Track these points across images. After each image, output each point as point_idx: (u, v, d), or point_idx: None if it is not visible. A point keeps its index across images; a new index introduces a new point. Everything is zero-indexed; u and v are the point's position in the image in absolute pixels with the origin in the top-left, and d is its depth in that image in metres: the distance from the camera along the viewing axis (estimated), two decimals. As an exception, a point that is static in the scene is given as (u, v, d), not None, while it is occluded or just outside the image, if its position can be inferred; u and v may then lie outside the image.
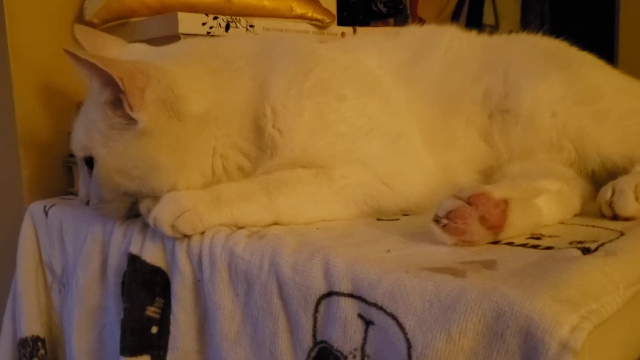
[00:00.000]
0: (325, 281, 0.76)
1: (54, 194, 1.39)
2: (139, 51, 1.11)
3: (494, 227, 0.80)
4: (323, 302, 0.76)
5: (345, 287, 0.73)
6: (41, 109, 1.41)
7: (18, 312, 1.27)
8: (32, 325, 1.26)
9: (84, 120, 1.01)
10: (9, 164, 1.40)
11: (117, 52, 1.10)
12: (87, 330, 1.11)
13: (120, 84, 0.91)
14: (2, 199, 1.47)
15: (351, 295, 0.73)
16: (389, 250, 0.79)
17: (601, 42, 2.62)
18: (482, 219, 0.79)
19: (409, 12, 2.91)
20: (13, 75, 1.36)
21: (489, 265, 0.71)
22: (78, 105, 1.21)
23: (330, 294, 0.75)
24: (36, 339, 1.26)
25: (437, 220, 0.80)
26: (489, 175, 1.08)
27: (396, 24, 2.81)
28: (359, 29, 1.55)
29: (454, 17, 3.30)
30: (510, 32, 1.14)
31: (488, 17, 3.36)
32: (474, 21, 3.29)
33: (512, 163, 1.06)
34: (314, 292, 0.76)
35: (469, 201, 0.79)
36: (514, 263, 0.71)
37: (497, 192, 0.81)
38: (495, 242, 0.81)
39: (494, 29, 3.32)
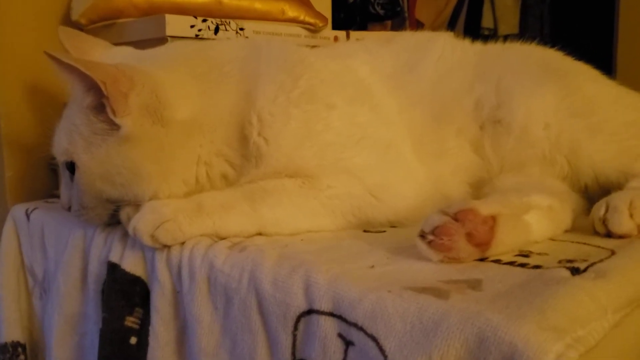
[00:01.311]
0: (305, 298, 0.73)
1: (39, 196, 1.37)
2: (124, 54, 1.09)
3: (481, 244, 0.77)
4: (303, 320, 0.73)
5: (325, 306, 0.71)
6: (26, 109, 1.38)
7: (-2, 317, 1.25)
8: (12, 330, 1.24)
9: (66, 124, 0.98)
10: (-8, 165, 1.38)
11: (101, 54, 1.08)
12: (67, 337, 1.09)
13: (102, 88, 0.89)
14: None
15: (331, 314, 0.70)
16: (373, 266, 0.77)
17: (600, 46, 2.61)
18: (469, 236, 0.76)
19: (406, 14, 2.88)
20: (-2, 77, 1.33)
21: (474, 285, 0.69)
22: (64, 106, 1.19)
23: (310, 311, 0.72)
24: (16, 345, 1.24)
25: (422, 235, 0.77)
26: (479, 187, 1.06)
27: (394, 27, 2.79)
28: (353, 33, 1.53)
29: (452, 20, 3.28)
30: (505, 37, 1.12)
31: (487, 20, 3.35)
32: (472, 24, 3.28)
33: (503, 176, 1.04)
34: (293, 309, 0.74)
35: (456, 217, 0.77)
36: (500, 284, 0.69)
37: (485, 208, 0.78)
38: (482, 259, 0.78)
39: (493, 32, 3.31)
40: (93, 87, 0.90)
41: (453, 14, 3.27)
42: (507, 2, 3.36)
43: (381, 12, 2.69)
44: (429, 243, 0.76)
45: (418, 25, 2.98)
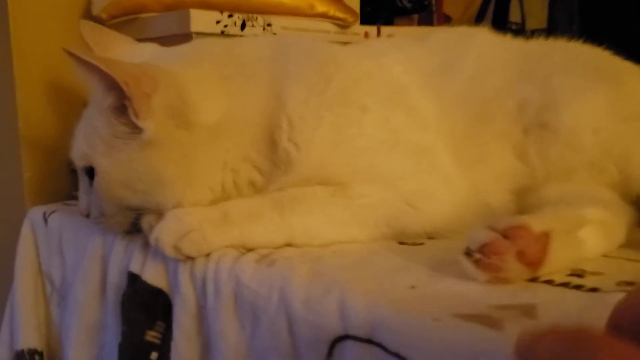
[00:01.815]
0: (340, 322, 0.67)
1: (58, 197, 1.32)
2: (148, 51, 1.03)
3: (533, 264, 0.71)
4: (338, 346, 0.67)
5: (363, 331, 0.65)
6: (45, 107, 1.33)
7: (15, 323, 1.21)
8: (29, 337, 1.19)
9: (85, 127, 0.93)
10: (10, 165, 1.33)
11: (124, 51, 1.03)
12: (86, 348, 1.04)
13: (124, 88, 0.83)
14: (2, 202, 1.40)
15: (370, 341, 0.64)
16: (413, 287, 0.70)
17: (631, 43, 2.51)
18: (520, 255, 0.70)
19: (434, 8, 2.81)
20: (16, 72, 1.28)
21: (529, 312, 0.63)
22: (84, 105, 1.14)
23: (346, 337, 0.66)
24: (33, 352, 1.19)
25: (468, 253, 0.71)
26: (522, 195, 0.99)
27: (421, 21, 2.71)
28: (383, 29, 1.47)
29: (480, 15, 3.21)
30: (533, 31, 1.06)
31: (514, 15, 3.27)
32: (500, 19, 3.20)
33: (548, 183, 0.97)
34: (327, 333, 0.68)
35: (506, 234, 0.70)
36: (556, 310, 0.63)
37: (538, 224, 0.72)
38: (532, 279, 0.72)
39: (520, 26, 3.23)
40: (114, 87, 0.85)
41: (481, 8, 3.19)
42: (536, -4, 3.28)
43: (408, 5, 2.60)
44: (476, 262, 0.70)
45: (446, 20, 2.91)
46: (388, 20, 2.50)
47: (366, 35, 1.41)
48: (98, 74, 0.85)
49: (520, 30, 3.14)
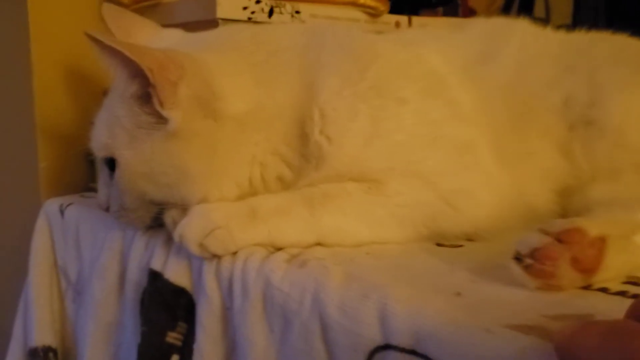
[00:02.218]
0: (381, 330, 0.62)
1: (74, 189, 1.28)
2: (173, 37, 0.98)
3: (587, 270, 0.66)
4: (377, 356, 0.62)
5: (406, 341, 0.60)
6: (63, 95, 1.29)
7: (29, 319, 1.17)
8: (43, 334, 1.15)
9: (106, 116, 0.88)
10: (25, 155, 1.29)
11: (148, 37, 0.98)
12: (102, 347, 1.00)
13: (149, 75, 0.78)
14: (16, 193, 1.36)
15: (413, 352, 0.59)
16: (459, 294, 0.65)
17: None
18: (574, 261, 0.65)
19: (459, 1, 2.75)
20: (33, 58, 1.24)
21: (587, 323, 0.57)
22: (104, 93, 1.09)
23: (386, 347, 0.61)
24: (47, 349, 1.15)
25: (518, 258, 0.66)
26: (567, 195, 0.94)
27: (445, 14, 2.66)
28: (415, 19, 1.41)
29: (505, 9, 3.15)
30: (557, 27, 1.01)
31: (539, 10, 3.21)
32: (524, 13, 3.15)
33: (595, 184, 0.91)
34: (366, 341, 0.63)
35: (560, 238, 0.65)
36: (616, 321, 0.57)
37: (593, 227, 0.66)
38: (585, 287, 0.66)
39: (545, 22, 3.18)
40: (139, 75, 0.80)
41: (506, 2, 3.13)
42: (561, -9, 3.22)
43: (433, -3, 2.55)
44: (526, 267, 0.65)
45: (470, 13, 2.85)
46: (412, 12, 2.44)
47: (397, 24, 1.36)
48: (121, 60, 0.80)
49: (545, 26, 3.09)
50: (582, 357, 0.44)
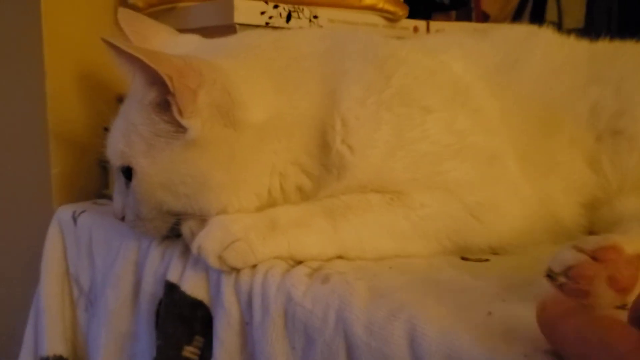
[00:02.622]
0: (410, 351, 0.60)
1: (87, 195, 1.26)
2: (191, 43, 0.96)
3: (624, 290, 0.63)
4: (407, 378, 0.60)
5: (438, 364, 0.57)
6: (76, 100, 1.27)
7: (40, 328, 1.15)
8: (55, 343, 1.13)
9: (123, 124, 0.86)
10: (37, 160, 1.27)
11: (165, 42, 0.96)
12: (115, 358, 0.98)
13: (169, 83, 0.76)
14: (28, 199, 1.34)
15: (447, 376, 0.57)
16: (490, 313, 0.62)
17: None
18: (610, 279, 0.62)
19: (472, 5, 2.73)
20: (46, 62, 1.22)
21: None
22: (118, 99, 1.07)
23: (417, 369, 0.59)
24: (58, 359, 1.13)
25: (550, 276, 0.63)
26: (594, 208, 0.91)
27: (458, 18, 2.64)
28: (432, 24, 1.39)
29: (518, 13, 3.13)
30: (570, 31, 1.00)
31: (551, 13, 3.19)
32: (537, 17, 3.12)
33: (624, 197, 0.89)
34: (395, 363, 0.61)
35: (595, 256, 0.62)
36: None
37: (630, 245, 0.64)
38: (621, 306, 0.64)
39: (557, 26, 3.15)
40: (157, 82, 0.78)
41: (519, 6, 3.11)
42: (573, -5, 3.20)
43: (446, 1, 2.53)
44: (560, 286, 0.62)
45: (484, 17, 2.83)
46: (426, 16, 2.42)
47: (416, 29, 1.34)
48: (139, 67, 0.78)
49: (556, 30, 3.06)
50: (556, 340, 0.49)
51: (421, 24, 1.36)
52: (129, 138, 0.84)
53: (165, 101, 0.79)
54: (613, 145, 0.91)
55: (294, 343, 0.71)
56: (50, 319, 1.13)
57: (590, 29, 3.01)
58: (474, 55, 0.98)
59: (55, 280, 1.14)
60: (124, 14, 0.97)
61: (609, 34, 1.06)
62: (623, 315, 0.59)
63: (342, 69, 0.87)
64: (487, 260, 0.83)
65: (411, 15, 1.39)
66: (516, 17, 3.10)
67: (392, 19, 1.30)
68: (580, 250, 0.63)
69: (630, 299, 0.63)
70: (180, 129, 0.80)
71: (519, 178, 0.87)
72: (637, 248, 0.64)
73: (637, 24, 2.93)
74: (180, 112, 0.78)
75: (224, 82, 0.80)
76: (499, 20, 2.92)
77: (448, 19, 2.60)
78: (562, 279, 0.62)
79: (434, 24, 1.39)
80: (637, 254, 0.63)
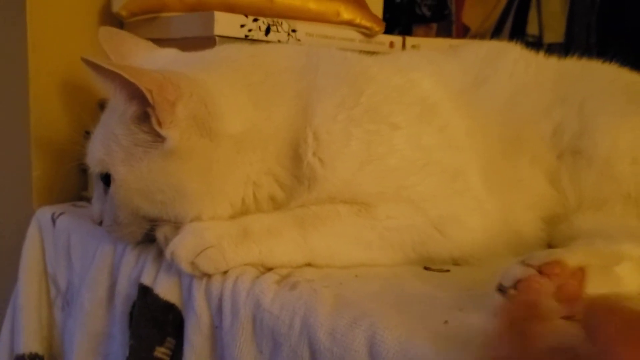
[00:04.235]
0: (369, 358, 0.63)
1: (66, 198, 1.28)
2: (169, 57, 0.98)
3: (569, 301, 0.67)
4: (364, 383, 0.63)
5: (394, 370, 0.61)
6: (58, 104, 1.29)
7: (17, 326, 1.17)
8: (31, 341, 1.15)
9: (103, 132, 0.89)
10: (18, 163, 1.29)
11: (143, 57, 0.98)
12: (89, 357, 1.01)
13: (148, 96, 0.79)
14: (9, 200, 1.36)
15: (401, 381, 0.60)
16: (446, 322, 0.66)
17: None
18: (557, 291, 0.66)
19: (453, 18, 2.77)
20: (30, 67, 1.24)
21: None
22: (100, 104, 1.10)
23: (374, 374, 0.63)
24: (34, 357, 1.15)
25: (501, 290, 0.67)
26: (554, 223, 0.95)
27: (439, 30, 2.68)
28: (409, 39, 1.42)
29: (499, 26, 3.16)
30: (550, 45, 1.02)
31: (532, 27, 3.23)
32: (518, 30, 3.16)
33: (582, 213, 0.93)
34: (355, 368, 0.64)
35: (541, 270, 0.66)
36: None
37: (573, 259, 0.68)
38: (567, 317, 0.68)
39: (538, 39, 3.19)
40: (137, 96, 0.81)
41: (500, 19, 3.15)
42: (554, 9, 3.23)
43: (427, 13, 2.57)
44: (511, 298, 0.66)
45: (464, 30, 2.87)
46: (406, 27, 2.47)
47: (391, 45, 1.37)
48: (120, 82, 0.81)
49: (537, 43, 3.10)
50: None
51: (397, 39, 1.39)
52: (108, 146, 0.86)
53: (144, 113, 0.82)
54: (573, 164, 0.95)
55: (261, 347, 0.74)
56: (27, 317, 1.15)
57: (571, 43, 3.07)
58: (443, 73, 1.01)
59: (33, 280, 1.16)
60: (104, 33, 0.99)
61: (587, 48, 1.09)
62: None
63: (316, 85, 0.90)
64: (448, 270, 0.86)
65: (392, 27, 1.43)
66: (497, 30, 3.13)
67: (368, 34, 1.33)
68: (527, 265, 0.67)
69: (577, 310, 0.68)
70: (159, 138, 0.82)
71: (482, 193, 0.91)
72: (580, 261, 0.68)
73: (615, 39, 2.98)
74: (160, 123, 0.81)
75: (200, 95, 0.83)
76: (479, 33, 2.96)
77: (429, 30, 2.64)
78: (512, 292, 0.66)
79: (410, 40, 1.42)
80: (579, 266, 0.68)
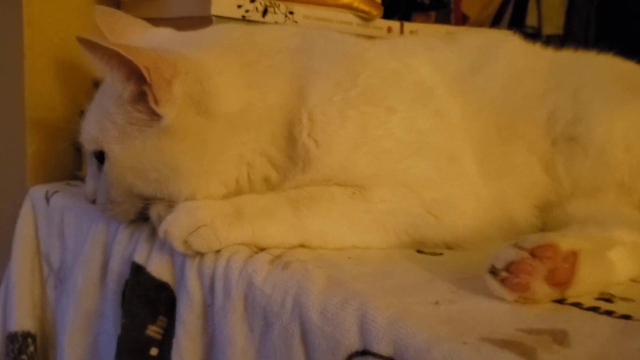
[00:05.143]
0: (360, 337, 0.63)
1: (61, 176, 1.28)
2: (164, 36, 0.98)
3: (561, 284, 0.68)
4: (355, 360, 0.64)
5: (384, 349, 0.61)
6: (53, 82, 1.29)
7: (9, 304, 1.17)
8: (23, 319, 1.16)
9: (98, 110, 0.89)
10: (13, 140, 1.29)
11: (139, 36, 0.98)
12: (82, 335, 1.01)
13: (146, 74, 0.79)
14: (3, 178, 1.36)
15: (391, 360, 0.61)
16: (437, 303, 0.66)
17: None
18: (548, 274, 0.67)
19: (452, 6, 2.76)
20: (25, 46, 1.24)
21: (561, 338, 0.59)
22: (95, 83, 1.10)
23: (365, 352, 0.63)
24: (26, 335, 1.16)
25: (493, 272, 0.67)
26: (547, 210, 0.96)
27: (438, 18, 2.66)
28: (406, 25, 1.42)
29: (498, 16, 3.16)
30: (548, 37, 1.03)
31: (531, 18, 3.22)
32: (517, 21, 3.16)
33: (575, 200, 0.93)
34: (345, 347, 0.64)
35: (533, 253, 0.67)
36: (590, 338, 0.59)
37: (566, 242, 0.68)
38: (559, 301, 0.68)
39: (536, 31, 3.19)
40: (134, 75, 0.81)
41: (499, 9, 3.14)
42: (554, 1, 3.23)
43: (427, 1, 2.56)
44: (502, 281, 0.67)
45: (463, 19, 2.86)
46: (406, 15, 2.45)
47: (389, 30, 1.37)
48: (117, 61, 0.81)
49: (535, 35, 3.10)
50: None
51: (395, 24, 1.39)
52: (102, 124, 0.87)
53: (140, 93, 0.82)
54: (567, 151, 0.95)
55: (253, 326, 0.75)
56: (20, 295, 1.16)
57: (569, 36, 3.07)
58: (440, 59, 1.01)
59: (26, 258, 1.17)
60: (99, 12, 0.99)
61: (586, 42, 1.09)
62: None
63: (312, 66, 0.90)
64: (441, 254, 0.87)
65: (391, 14, 1.42)
66: (496, 20, 3.13)
67: (366, 18, 1.33)
68: (520, 247, 0.68)
69: (569, 293, 0.68)
70: (155, 117, 0.83)
71: (476, 178, 0.91)
72: (572, 246, 0.69)
73: (613, 32, 2.98)
74: (156, 102, 0.81)
75: (196, 73, 0.83)
76: (478, 22, 2.95)
77: (428, 19, 2.62)
78: (503, 274, 0.67)
79: (408, 25, 1.42)
80: (572, 250, 0.68)
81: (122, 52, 0.78)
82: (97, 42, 0.79)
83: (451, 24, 2.63)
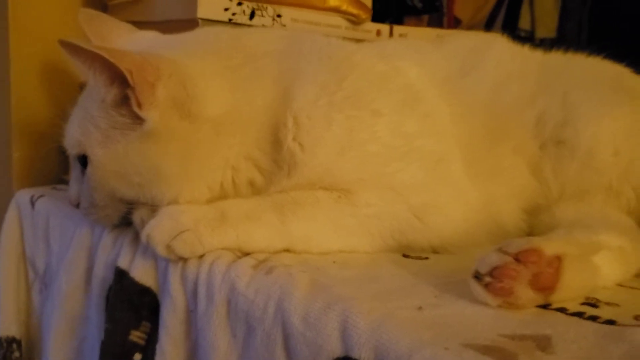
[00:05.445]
0: (341, 342, 0.63)
1: (47, 181, 1.27)
2: (149, 39, 0.98)
3: (545, 289, 0.67)
4: (336, 367, 0.63)
5: (366, 355, 0.60)
6: (39, 86, 1.28)
7: (-6, 309, 1.16)
8: (8, 324, 1.15)
9: (81, 114, 0.88)
10: (-1, 144, 1.28)
11: (124, 40, 0.98)
12: (66, 339, 1.01)
13: (129, 77, 0.78)
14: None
15: (373, 366, 0.60)
16: (420, 308, 0.66)
17: None
18: (532, 279, 0.66)
19: (444, 10, 2.76)
20: (11, 49, 1.23)
21: (544, 344, 0.58)
22: (81, 87, 1.09)
23: (346, 358, 0.62)
24: (11, 340, 1.15)
25: (477, 277, 0.67)
26: (535, 214, 0.95)
27: (430, 22, 2.66)
28: (396, 28, 1.41)
29: (491, 20, 3.16)
30: (542, 40, 1.03)
31: (524, 22, 3.23)
32: (510, 24, 3.16)
33: (563, 203, 0.93)
34: (326, 353, 0.63)
35: (518, 257, 0.66)
36: (574, 343, 0.58)
37: (550, 247, 0.68)
38: (544, 306, 0.68)
39: (530, 34, 3.20)
40: (117, 78, 0.80)
41: (492, 13, 3.14)
42: (547, 4, 3.24)
43: (419, 5, 2.55)
44: (486, 286, 0.66)
45: (456, 22, 2.86)
46: (398, 19, 2.45)
47: (378, 33, 1.36)
48: (100, 64, 0.80)
49: (529, 38, 3.10)
50: None
51: (384, 27, 1.38)
52: (85, 128, 0.86)
53: (123, 97, 0.81)
54: (556, 154, 0.95)
55: (235, 331, 0.74)
56: (4, 300, 1.15)
57: (562, 39, 3.07)
58: (429, 62, 1.01)
59: (12, 263, 1.16)
60: (84, 15, 0.98)
61: (579, 45, 1.09)
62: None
63: (297, 69, 0.89)
64: (427, 258, 0.86)
65: (382, 18, 1.42)
66: (489, 24, 3.13)
67: (355, 21, 1.32)
68: (504, 252, 0.67)
69: (554, 298, 0.68)
70: (138, 121, 0.82)
71: (464, 182, 0.91)
72: (557, 250, 0.68)
73: (606, 34, 2.99)
74: (139, 105, 0.80)
75: (180, 76, 0.83)
76: (471, 26, 2.95)
77: (420, 23, 2.62)
78: (487, 279, 0.66)
79: (398, 29, 1.41)
80: (556, 255, 0.67)
81: (105, 55, 0.77)
82: (80, 45, 0.78)
83: (444, 28, 2.63)
